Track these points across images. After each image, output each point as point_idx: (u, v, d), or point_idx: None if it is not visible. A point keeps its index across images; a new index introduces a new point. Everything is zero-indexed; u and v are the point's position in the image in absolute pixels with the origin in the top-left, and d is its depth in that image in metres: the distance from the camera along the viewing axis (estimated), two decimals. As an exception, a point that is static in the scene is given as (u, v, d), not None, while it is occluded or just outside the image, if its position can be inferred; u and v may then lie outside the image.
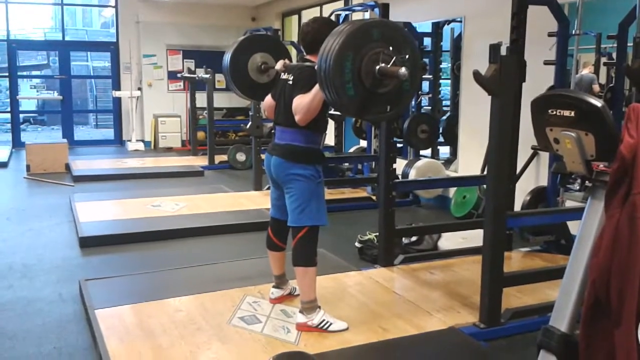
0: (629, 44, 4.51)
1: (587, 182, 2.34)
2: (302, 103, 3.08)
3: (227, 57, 3.86)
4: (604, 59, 5.19)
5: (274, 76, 3.66)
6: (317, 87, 2.93)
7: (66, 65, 12.04)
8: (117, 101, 11.85)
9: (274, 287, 3.67)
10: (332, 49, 2.66)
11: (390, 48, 2.72)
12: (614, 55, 4.90)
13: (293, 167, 3.21)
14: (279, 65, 3.46)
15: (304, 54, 3.38)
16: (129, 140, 11.49)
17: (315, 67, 2.87)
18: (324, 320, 3.25)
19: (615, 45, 4.74)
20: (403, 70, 2.65)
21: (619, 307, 2.08)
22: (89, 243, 5.07)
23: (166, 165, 9.34)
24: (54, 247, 5.11)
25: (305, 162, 3.22)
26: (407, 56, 2.76)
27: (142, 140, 11.54)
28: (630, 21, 4.51)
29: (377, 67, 2.70)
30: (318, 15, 9.68)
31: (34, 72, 15.75)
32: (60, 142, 9.82)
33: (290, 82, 3.26)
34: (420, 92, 7.33)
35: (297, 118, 3.12)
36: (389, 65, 2.69)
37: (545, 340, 2.33)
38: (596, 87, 5.40)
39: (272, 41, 4.01)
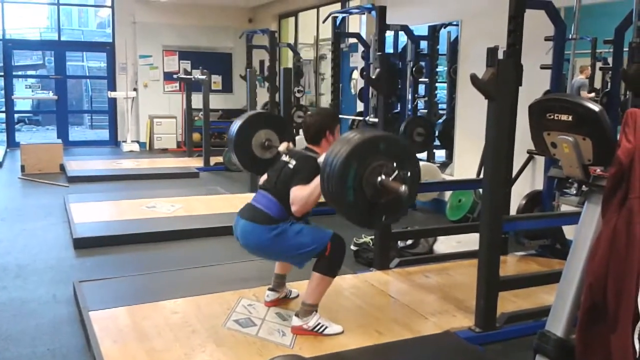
0: (625, 49, 4.52)
1: (584, 186, 2.35)
2: (301, 195, 3.10)
3: (234, 128, 3.93)
4: (599, 64, 5.19)
5: (275, 154, 3.72)
6: (317, 181, 2.97)
7: (62, 65, 12.01)
8: (113, 102, 11.83)
9: (269, 289, 3.66)
10: (339, 154, 2.74)
11: (395, 163, 2.79)
12: (610, 60, 4.91)
13: (262, 232, 3.20)
14: (282, 147, 3.55)
15: (307, 143, 3.41)
16: (124, 141, 11.46)
17: (319, 161, 2.99)
18: (319, 323, 3.24)
19: (611, 50, 4.75)
20: (404, 188, 2.72)
21: (616, 312, 2.08)
22: (83, 244, 5.05)
23: (161, 167, 9.31)
24: (48, 248, 5.09)
25: (271, 223, 3.21)
26: (408, 173, 2.82)
27: (138, 141, 11.52)
28: (626, 26, 4.52)
29: (379, 179, 2.77)
30: (315, 16, 9.71)
31: (30, 72, 15.70)
32: (55, 142, 9.79)
33: (291, 167, 3.28)
34: (416, 96, 7.34)
35: (293, 208, 3.14)
36: (390, 179, 2.75)
37: (542, 344, 2.33)
38: (584, 93, 5.38)
39: (279, 120, 4.12)
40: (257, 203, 3.32)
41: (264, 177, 3.54)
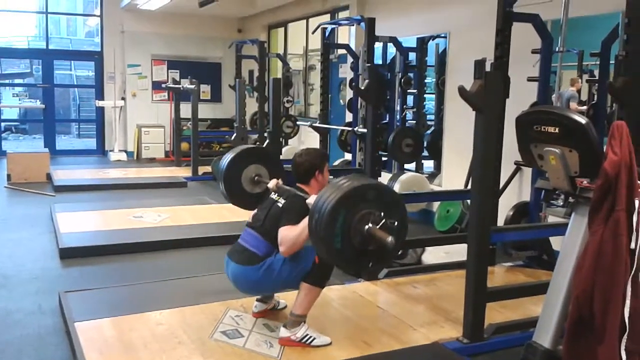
0: (611, 62, 4.57)
1: (570, 198, 2.36)
2: (289, 236, 3.12)
3: (224, 162, 3.93)
4: (586, 76, 5.25)
5: (264, 190, 3.73)
6: (305, 222, 2.98)
7: (49, 73, 11.95)
8: (100, 111, 11.77)
9: (257, 300, 3.64)
10: (329, 201, 2.75)
11: (382, 212, 2.80)
12: (597, 72, 4.96)
13: (252, 272, 3.23)
14: (271, 184, 3.56)
15: (296, 182, 3.43)
16: (112, 151, 11.40)
17: (308, 202, 3.02)
18: (307, 334, 3.23)
19: (598, 62, 4.80)
20: (390, 239, 2.72)
21: (603, 323, 2.09)
22: (69, 254, 5.00)
23: (149, 176, 9.27)
24: (34, 258, 5.03)
25: (257, 262, 3.24)
26: (395, 222, 2.83)
27: (125, 151, 11.46)
28: (612, 39, 4.58)
29: (367, 227, 2.77)
30: (304, 27, 9.74)
31: (17, 80, 15.59)
32: (42, 151, 9.71)
33: (280, 205, 3.29)
34: (405, 107, 7.38)
35: (281, 249, 3.16)
36: (377, 227, 2.76)
37: (529, 355, 2.34)
38: (574, 105, 5.43)
39: (270, 155, 4.11)
40: (245, 243, 3.36)
41: (252, 213, 3.56)
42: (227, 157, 3.93)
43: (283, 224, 3.16)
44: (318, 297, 3.27)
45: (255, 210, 3.52)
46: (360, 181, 2.91)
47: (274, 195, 3.42)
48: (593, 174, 2.18)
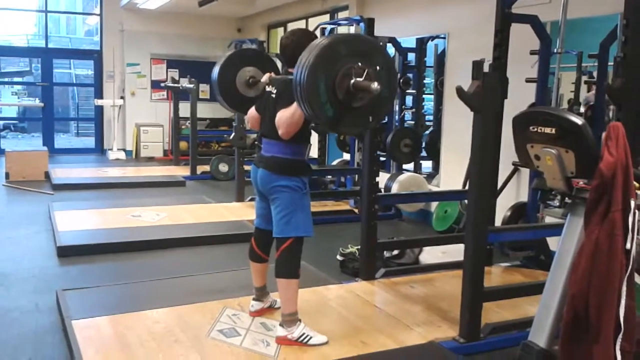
0: (609, 63, 4.58)
1: (567, 198, 2.37)
2: (284, 117, 3.10)
3: (215, 71, 3.86)
4: (584, 78, 5.25)
5: (262, 89, 3.67)
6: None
7: (48, 72, 11.94)
8: (99, 109, 11.77)
9: (254, 299, 3.64)
10: (303, 74, 2.69)
11: (359, 64, 2.74)
12: (595, 74, 4.97)
13: (279, 179, 3.21)
14: (264, 78, 3.48)
15: (287, 67, 3.38)
16: (110, 149, 11.40)
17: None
18: (304, 333, 3.23)
19: (596, 64, 4.81)
20: (375, 85, 2.67)
21: (598, 323, 2.10)
22: (67, 252, 5.00)
23: (147, 175, 9.26)
24: (32, 256, 5.03)
25: (290, 174, 3.22)
26: (378, 67, 2.78)
27: (124, 150, 11.46)
28: (611, 40, 4.59)
29: (351, 82, 2.72)
30: (304, 27, 9.73)
31: (16, 79, 15.58)
32: (40, 149, 9.70)
33: (274, 95, 3.27)
34: (403, 107, 7.38)
35: (280, 132, 3.13)
36: (361, 79, 2.71)
37: (525, 355, 2.35)
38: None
39: (260, 55, 4.03)
40: (267, 153, 3.29)
41: (252, 113, 3.49)
42: (217, 66, 3.85)
43: (279, 109, 3.13)
44: (314, 297, 3.27)
45: (260, 114, 3.43)
46: (328, 39, 2.81)
47: (269, 88, 3.36)
48: (589, 175, 2.18)
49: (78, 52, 14.55)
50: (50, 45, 12.18)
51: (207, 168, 9.36)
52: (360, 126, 3.00)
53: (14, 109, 14.83)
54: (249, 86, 3.82)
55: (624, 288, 2.09)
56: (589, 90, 5.39)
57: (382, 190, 6.36)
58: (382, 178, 6.20)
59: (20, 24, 16.47)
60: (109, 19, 11.39)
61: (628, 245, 2.10)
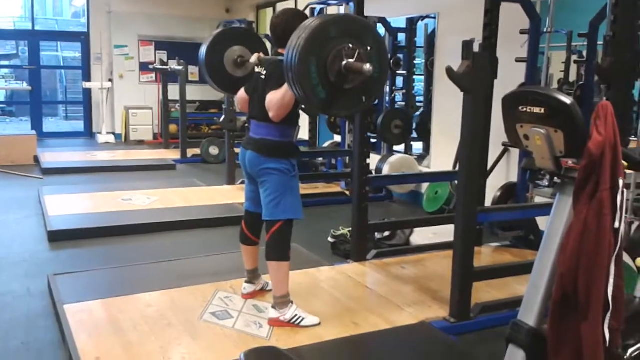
0: (599, 42, 4.58)
1: (556, 178, 2.37)
2: (274, 100, 3.07)
3: (203, 50, 3.82)
4: (574, 57, 5.25)
5: (251, 70, 3.63)
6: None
7: (36, 55, 11.80)
8: (88, 92, 11.66)
9: (246, 282, 3.66)
10: (294, 57, 2.66)
11: (350, 45, 2.72)
12: (585, 53, 4.97)
13: (267, 162, 3.21)
14: (253, 58, 3.42)
15: (277, 47, 3.35)
16: (100, 133, 11.31)
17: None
18: (296, 315, 3.25)
19: (585, 43, 4.81)
20: (367, 67, 2.66)
21: (586, 302, 2.11)
22: (58, 237, 4.99)
23: (137, 159, 9.22)
24: (22, 240, 5.02)
25: (279, 157, 3.21)
26: (369, 48, 2.76)
27: (113, 133, 11.37)
28: (600, 20, 4.58)
29: (343, 63, 2.70)
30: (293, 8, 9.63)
31: (3, 62, 15.38)
32: (28, 133, 9.63)
33: (263, 77, 3.24)
34: (394, 88, 7.36)
35: (270, 114, 3.11)
36: (353, 60, 2.69)
37: (514, 334, 2.36)
38: None
39: (248, 34, 3.97)
40: (255, 135, 3.28)
41: (242, 94, 3.48)
42: (205, 45, 3.80)
43: (269, 90, 3.12)
44: (306, 279, 3.29)
45: (249, 96, 3.42)
46: (318, 20, 2.79)
47: (258, 69, 3.34)
48: (578, 154, 2.19)
49: (65, 35, 14.38)
50: (37, 28, 11.99)
51: (197, 151, 9.33)
52: (352, 107, 2.99)
53: (2, 93, 14.68)
54: (237, 66, 3.77)
55: (613, 267, 2.11)
56: (578, 70, 5.39)
57: (373, 172, 6.37)
58: (373, 160, 6.20)
59: (6, 6, 16.22)
60: (96, 0, 11.23)
61: (617, 225, 2.11)
